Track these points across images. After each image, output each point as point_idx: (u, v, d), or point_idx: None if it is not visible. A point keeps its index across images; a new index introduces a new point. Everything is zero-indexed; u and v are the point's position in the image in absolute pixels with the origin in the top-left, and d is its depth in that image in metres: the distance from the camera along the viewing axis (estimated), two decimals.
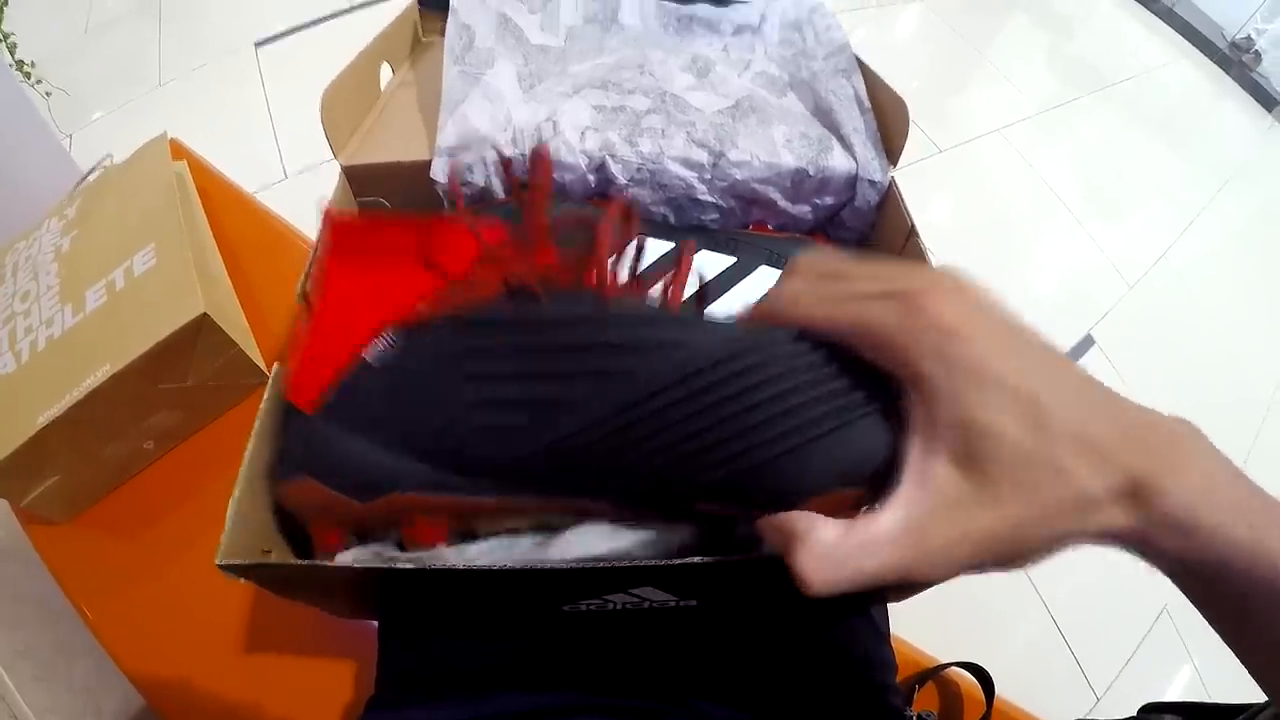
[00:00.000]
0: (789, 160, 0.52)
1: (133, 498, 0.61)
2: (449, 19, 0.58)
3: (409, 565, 0.36)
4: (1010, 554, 0.24)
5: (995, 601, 1.28)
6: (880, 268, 0.28)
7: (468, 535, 0.37)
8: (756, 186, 0.53)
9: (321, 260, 0.33)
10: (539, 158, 0.43)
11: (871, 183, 0.53)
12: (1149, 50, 3.04)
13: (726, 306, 0.44)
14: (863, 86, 0.57)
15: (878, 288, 0.26)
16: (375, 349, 0.30)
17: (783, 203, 0.54)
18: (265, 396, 0.39)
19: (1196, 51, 3.21)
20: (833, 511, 0.27)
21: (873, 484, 0.28)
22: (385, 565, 0.37)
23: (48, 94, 1.44)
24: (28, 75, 1.33)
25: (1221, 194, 2.35)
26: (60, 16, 2.19)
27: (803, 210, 0.55)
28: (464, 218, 0.33)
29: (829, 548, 0.25)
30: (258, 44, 2.07)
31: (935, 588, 0.39)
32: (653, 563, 0.32)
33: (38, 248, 0.67)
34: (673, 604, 0.39)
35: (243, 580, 0.35)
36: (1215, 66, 3.19)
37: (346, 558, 0.40)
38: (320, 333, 0.32)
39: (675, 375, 0.28)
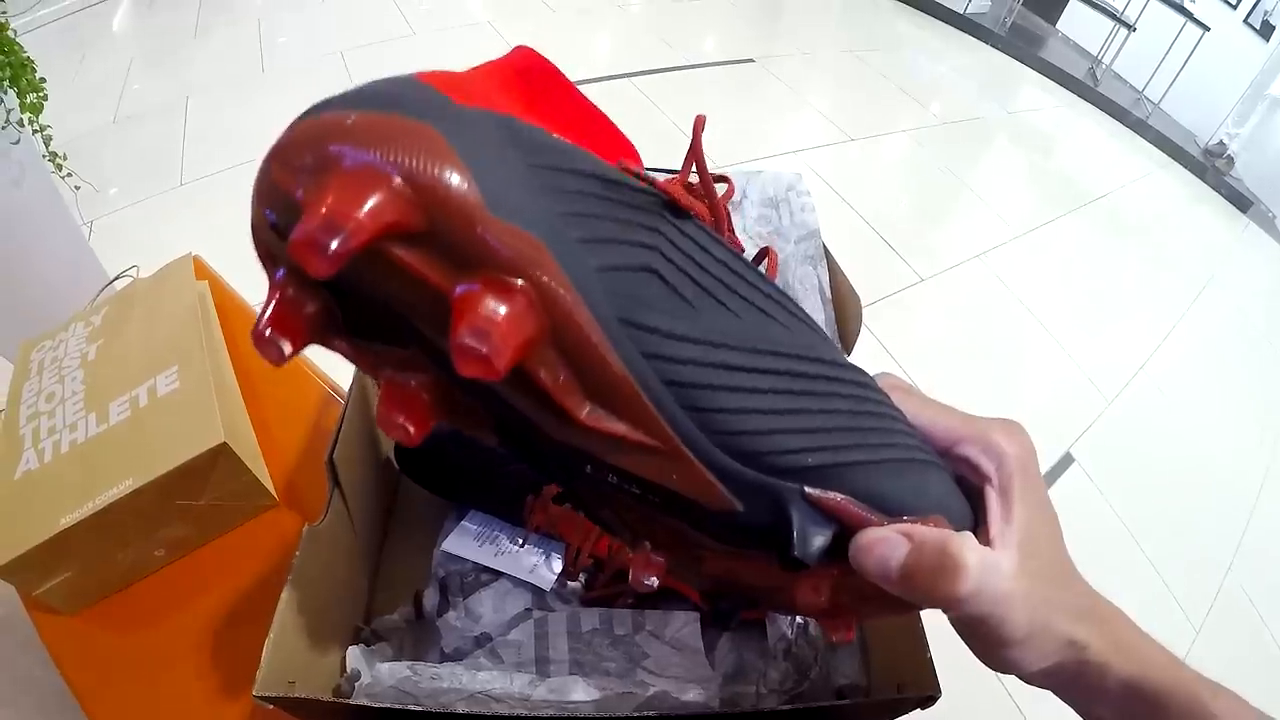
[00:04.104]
0: None
1: (138, 598, 0.64)
2: None
3: (417, 709, 0.45)
4: (1042, 629, 0.29)
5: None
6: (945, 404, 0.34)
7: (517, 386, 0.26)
8: None
9: (493, 65, 0.28)
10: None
11: None
12: (1125, 163, 3.19)
13: None
14: (826, 277, 0.64)
15: (978, 417, 0.32)
16: (554, 137, 0.24)
17: None
18: (299, 552, 0.48)
19: (1171, 161, 3.37)
20: None
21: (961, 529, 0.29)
22: (398, 707, 0.46)
23: (76, 188, 1.44)
24: (59, 168, 1.37)
25: (1199, 300, 2.44)
26: (92, 103, 2.33)
27: None
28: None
29: (982, 555, 0.27)
30: None
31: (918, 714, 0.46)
32: (619, 715, 0.41)
33: (64, 350, 0.72)
34: None
35: (270, 706, 0.41)
36: (1190, 174, 3.34)
37: (369, 686, 0.49)
38: (483, 86, 0.26)
39: (823, 354, 0.28)
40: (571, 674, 0.50)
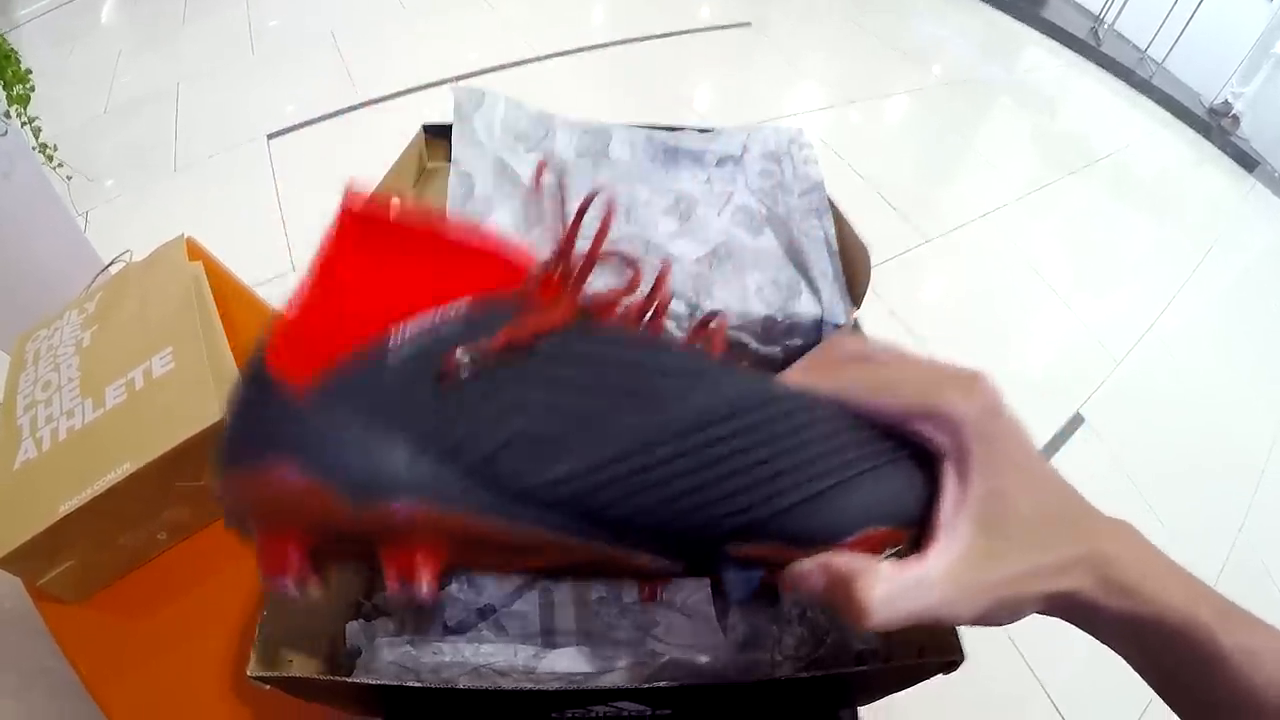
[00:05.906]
0: (759, 308, 0.59)
1: (142, 583, 0.64)
2: (450, 169, 0.64)
3: (417, 684, 0.44)
4: (1010, 606, 0.29)
5: (994, 686, 1.30)
6: (907, 356, 0.32)
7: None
8: (730, 332, 0.59)
9: (328, 242, 0.29)
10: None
11: (836, 326, 0.59)
12: (1130, 123, 3.15)
13: None
14: (832, 229, 0.63)
15: (934, 374, 0.31)
16: (399, 338, 0.26)
17: (754, 345, 0.61)
18: None
19: (1176, 120, 3.32)
20: (866, 552, 0.29)
21: (903, 524, 0.30)
22: (397, 683, 0.45)
23: (68, 178, 1.48)
24: (50, 159, 1.38)
25: (1206, 260, 2.42)
26: (82, 93, 2.31)
27: (772, 350, 0.61)
28: (494, 239, 0.30)
29: (891, 583, 0.27)
30: (270, 136, 2.16)
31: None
32: (629, 686, 0.39)
33: (59, 339, 0.72)
34: (648, 714, 0.46)
35: (266, 688, 0.40)
36: (1195, 133, 3.29)
37: (368, 661, 0.47)
38: (322, 311, 0.27)
39: (726, 409, 0.28)
40: (579, 644, 0.49)
